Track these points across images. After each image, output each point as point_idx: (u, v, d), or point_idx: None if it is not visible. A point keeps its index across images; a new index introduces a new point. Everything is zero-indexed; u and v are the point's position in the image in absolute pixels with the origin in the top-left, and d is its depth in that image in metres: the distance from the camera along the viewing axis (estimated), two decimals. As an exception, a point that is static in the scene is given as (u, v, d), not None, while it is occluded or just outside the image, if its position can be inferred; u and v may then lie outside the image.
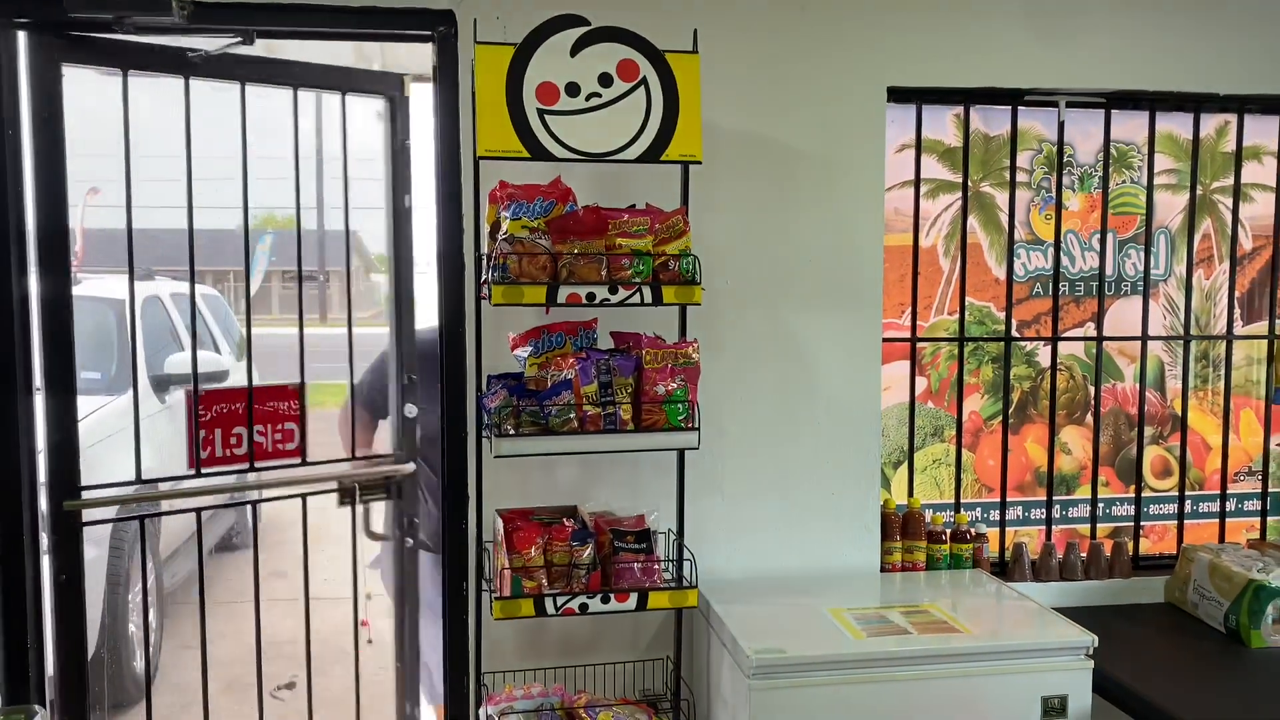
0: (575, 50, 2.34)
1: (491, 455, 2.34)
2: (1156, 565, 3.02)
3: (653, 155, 2.37)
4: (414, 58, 3.42)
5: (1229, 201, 3.05)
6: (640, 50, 2.36)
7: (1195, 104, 2.98)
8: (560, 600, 2.33)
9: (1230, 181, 3.05)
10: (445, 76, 2.61)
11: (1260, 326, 3.11)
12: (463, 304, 2.56)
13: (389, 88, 2.91)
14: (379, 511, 2.90)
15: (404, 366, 2.90)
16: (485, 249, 2.44)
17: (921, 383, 2.97)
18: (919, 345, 2.96)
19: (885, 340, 2.86)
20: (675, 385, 2.38)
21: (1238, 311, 3.09)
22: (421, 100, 2.85)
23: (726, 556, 2.77)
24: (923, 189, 2.92)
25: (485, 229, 2.47)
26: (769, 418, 2.80)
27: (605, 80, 2.35)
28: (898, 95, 2.82)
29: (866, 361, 2.83)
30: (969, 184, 2.94)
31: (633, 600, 2.36)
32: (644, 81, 2.36)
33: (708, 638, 2.55)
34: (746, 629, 2.36)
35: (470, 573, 2.61)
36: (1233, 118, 3.03)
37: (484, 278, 2.40)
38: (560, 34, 2.33)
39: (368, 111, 3.04)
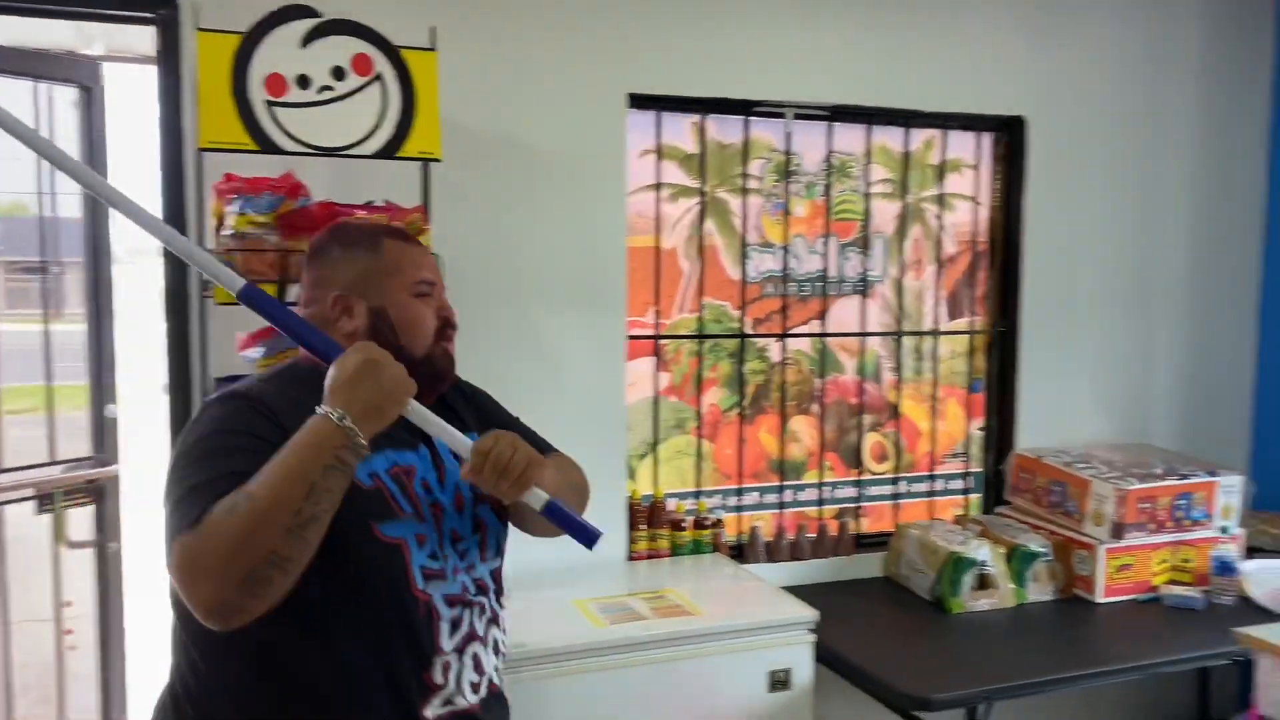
0: (306, 41, 2.27)
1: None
2: (875, 543, 3.28)
3: (389, 151, 2.34)
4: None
5: (936, 209, 3.37)
6: (375, 45, 2.32)
7: (905, 120, 3.26)
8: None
9: (936, 191, 3.37)
10: (167, 63, 2.48)
11: (962, 323, 3.45)
12: (187, 302, 2.43)
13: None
14: (82, 518, 2.76)
15: (102, 365, 2.79)
16: (211, 245, 2.33)
17: (665, 378, 3.10)
18: (662, 342, 3.08)
19: (630, 338, 2.97)
20: (417, 384, 2.36)
21: (944, 309, 3.41)
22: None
23: (476, 554, 2.78)
24: (664, 193, 3.05)
25: (211, 224, 2.36)
26: (519, 415, 2.82)
27: (338, 74, 2.29)
28: (639, 102, 2.92)
29: (612, 359, 2.92)
30: (706, 190, 3.09)
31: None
32: (379, 77, 2.32)
33: (455, 636, 2.55)
34: (491, 625, 2.38)
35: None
36: (938, 133, 3.34)
37: (210, 275, 2.29)
38: (290, 24, 2.26)
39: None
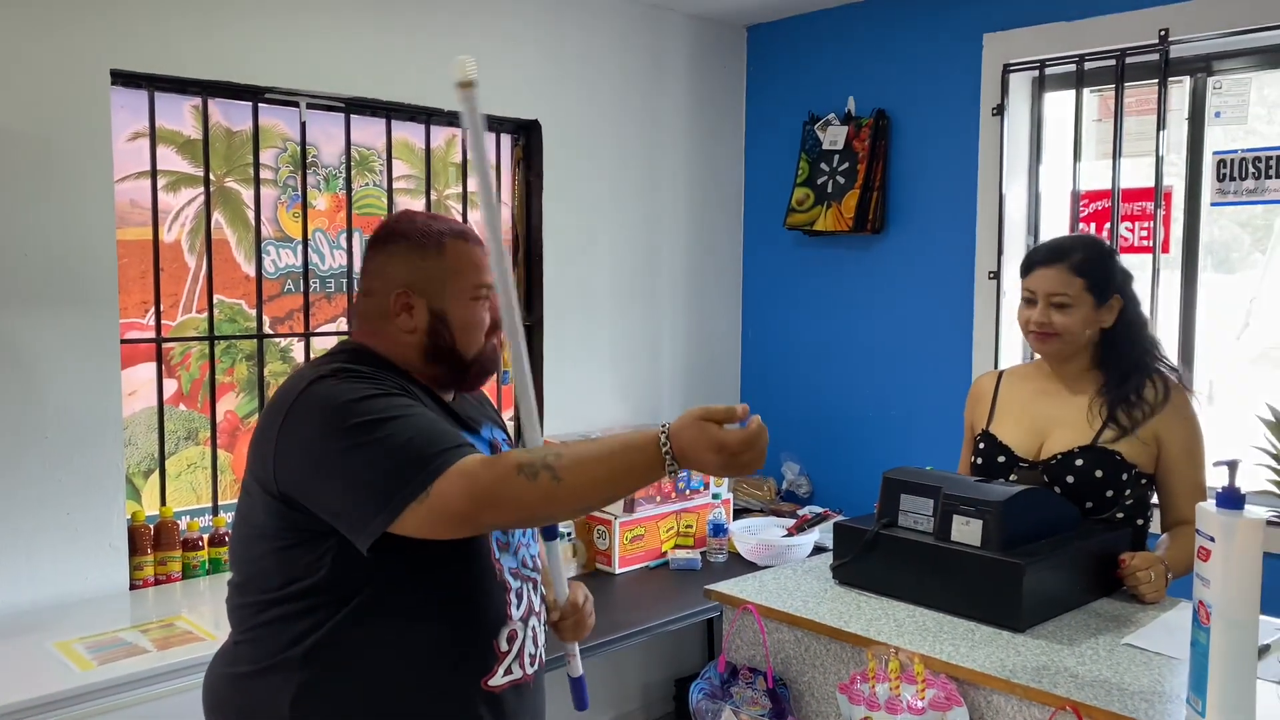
0: None
1: None
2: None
3: None
4: None
5: (459, 206, 3.43)
6: None
7: (426, 116, 3.28)
8: None
9: (459, 189, 3.42)
10: None
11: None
12: None
13: None
14: None
15: None
16: None
17: (172, 385, 2.83)
18: (166, 346, 2.81)
19: (125, 342, 2.67)
20: None
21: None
22: None
23: (-72, 605, 2.35)
24: (162, 181, 2.77)
25: None
26: (-17, 436, 2.43)
27: None
28: (126, 79, 2.63)
29: (104, 366, 2.60)
30: (212, 179, 2.86)
31: None
32: None
33: (-103, 707, 2.13)
34: (-58, 687, 2.01)
35: None
36: (459, 131, 3.40)
37: None
38: None
39: None
